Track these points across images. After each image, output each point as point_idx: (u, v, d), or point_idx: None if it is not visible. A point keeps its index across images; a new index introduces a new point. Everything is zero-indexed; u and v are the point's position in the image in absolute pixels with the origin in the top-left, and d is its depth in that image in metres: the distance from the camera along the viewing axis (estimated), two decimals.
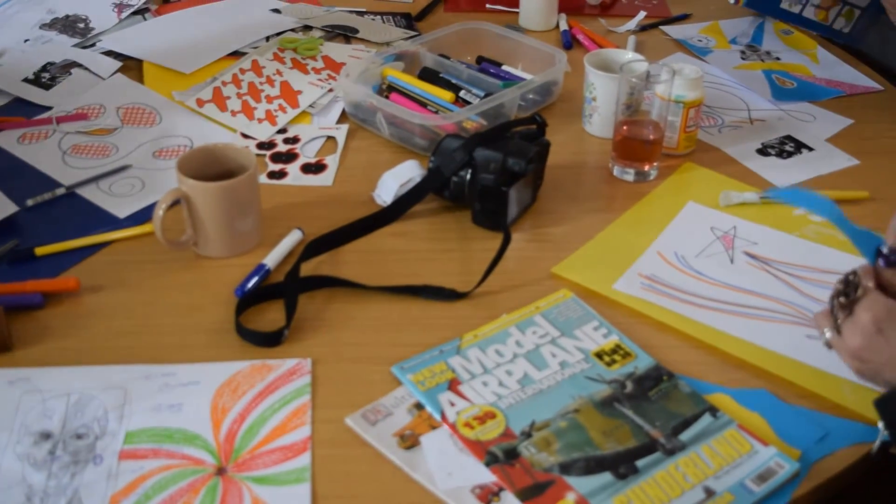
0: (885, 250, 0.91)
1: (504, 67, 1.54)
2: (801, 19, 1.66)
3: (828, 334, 0.92)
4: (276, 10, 1.76)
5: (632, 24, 1.77)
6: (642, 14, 1.80)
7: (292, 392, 0.97)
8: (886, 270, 0.91)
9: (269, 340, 1.02)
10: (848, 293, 0.89)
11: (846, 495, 0.97)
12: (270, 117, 1.42)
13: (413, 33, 1.69)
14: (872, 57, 1.67)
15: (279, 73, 1.52)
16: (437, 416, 0.94)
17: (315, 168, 1.33)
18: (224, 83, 1.48)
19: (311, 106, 1.45)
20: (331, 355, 1.02)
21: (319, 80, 1.51)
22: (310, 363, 1.00)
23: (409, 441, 0.92)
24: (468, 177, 1.19)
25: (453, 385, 0.97)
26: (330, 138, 1.40)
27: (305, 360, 1.01)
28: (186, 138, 1.38)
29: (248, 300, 1.08)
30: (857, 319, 0.88)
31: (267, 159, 1.34)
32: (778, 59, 1.69)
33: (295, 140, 1.38)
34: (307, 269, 1.13)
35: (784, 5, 1.66)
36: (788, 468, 0.90)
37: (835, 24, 1.60)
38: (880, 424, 0.89)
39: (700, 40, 1.74)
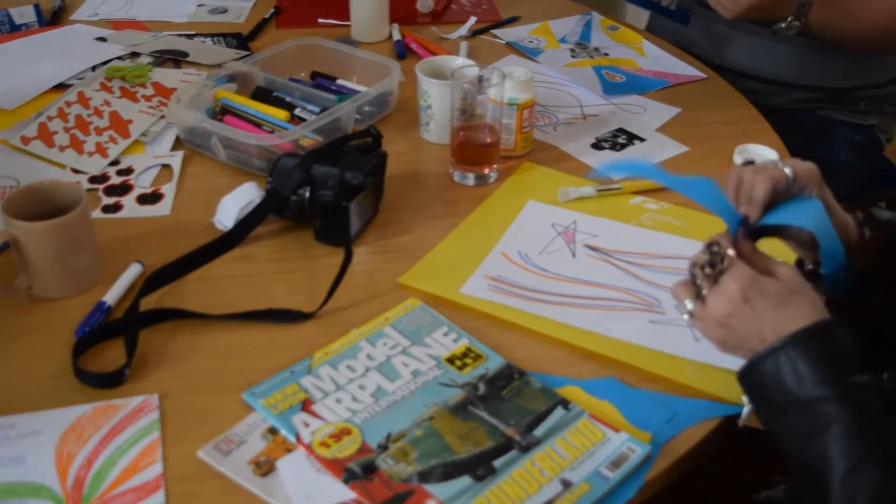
0: (750, 221, 0.92)
1: (339, 81, 1.54)
2: None
3: (689, 305, 0.91)
4: (102, 39, 1.71)
5: (463, 29, 1.80)
6: (473, 19, 1.83)
7: (140, 430, 0.94)
8: (745, 242, 0.91)
9: (110, 381, 0.99)
10: (713, 263, 0.89)
11: (701, 470, 1.00)
12: (101, 150, 1.37)
13: (245, 53, 1.67)
14: (700, 54, 1.73)
15: (107, 103, 1.47)
16: (292, 439, 0.92)
17: (151, 198, 1.29)
18: (50, 118, 1.43)
19: (143, 135, 1.42)
20: (179, 388, 0.99)
21: (150, 107, 1.47)
22: (157, 399, 0.98)
23: (264, 468, 0.90)
24: (307, 195, 1.18)
25: (307, 405, 0.96)
26: (165, 166, 1.36)
27: (152, 395, 0.98)
28: (12, 178, 1.32)
29: (89, 340, 1.04)
30: (725, 288, 0.87)
31: (100, 193, 1.30)
32: (606, 54, 1.73)
33: (128, 171, 1.35)
34: (150, 302, 1.10)
35: None
36: (640, 452, 0.92)
37: (662, 0, 1.64)
38: (744, 398, 0.90)
39: (531, 41, 1.77)
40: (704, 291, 0.90)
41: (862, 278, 0.98)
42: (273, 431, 0.94)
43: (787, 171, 0.94)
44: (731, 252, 0.89)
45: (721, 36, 1.74)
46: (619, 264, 1.19)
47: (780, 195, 0.94)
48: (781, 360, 0.83)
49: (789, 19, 1.50)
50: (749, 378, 0.87)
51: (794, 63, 1.69)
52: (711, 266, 0.89)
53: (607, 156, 1.42)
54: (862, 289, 0.98)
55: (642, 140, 1.46)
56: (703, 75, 1.67)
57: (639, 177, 0.96)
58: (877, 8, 1.52)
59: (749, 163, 0.98)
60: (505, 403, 0.97)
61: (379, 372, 1.01)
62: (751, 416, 0.91)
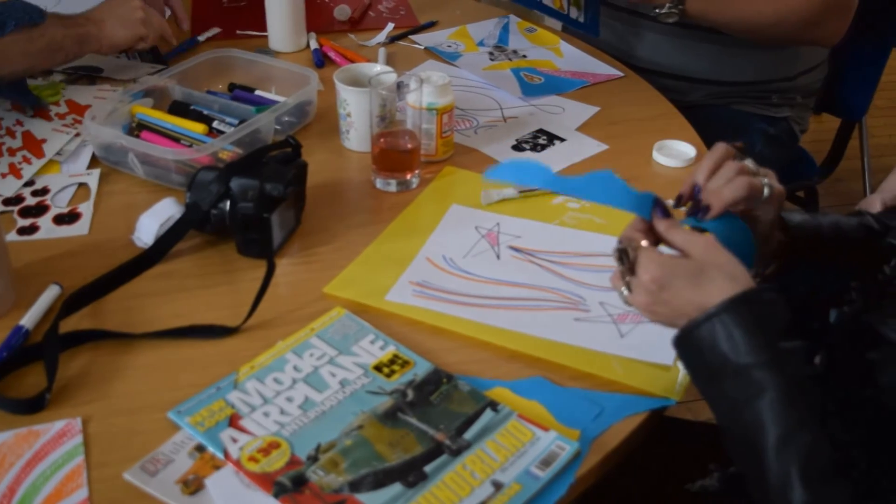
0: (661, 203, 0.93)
1: (257, 92, 1.53)
2: (542, 7, 1.70)
3: (625, 292, 0.91)
4: None
5: (381, 36, 1.79)
6: (391, 26, 1.83)
7: (64, 455, 0.92)
8: (662, 221, 0.92)
9: (30, 406, 0.97)
10: (622, 259, 0.90)
11: (634, 464, 1.02)
12: (15, 171, 1.34)
13: (160, 67, 1.65)
14: (614, 55, 1.75)
15: (20, 122, 1.44)
16: (220, 455, 0.91)
17: (68, 218, 1.27)
18: None
19: (58, 153, 1.39)
20: (102, 411, 0.98)
21: (64, 125, 1.45)
22: (80, 422, 0.96)
23: (193, 486, 0.89)
24: (227, 208, 1.17)
25: (234, 420, 0.95)
26: (82, 185, 1.34)
27: (75, 419, 0.96)
28: None
29: (7, 365, 1.02)
30: (639, 280, 0.89)
31: (15, 215, 1.27)
32: (524, 56, 1.75)
33: (44, 191, 1.32)
34: (69, 324, 1.08)
35: None
36: (569, 449, 0.93)
37: (570, 12, 1.67)
38: (679, 364, 0.91)
39: (449, 46, 1.78)
40: (628, 281, 0.90)
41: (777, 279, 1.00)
42: (201, 449, 0.93)
43: (766, 191, 0.95)
44: (643, 243, 0.90)
45: (631, 36, 1.77)
46: (543, 264, 1.20)
47: (742, 206, 0.94)
48: (717, 327, 0.83)
49: (668, 6, 1.53)
50: (684, 344, 0.86)
51: (705, 60, 1.72)
52: (621, 262, 0.90)
53: (528, 157, 1.43)
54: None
55: (562, 140, 1.48)
56: (621, 74, 1.69)
57: (532, 187, 0.94)
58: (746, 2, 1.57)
59: (739, 149, 0.97)
60: (434, 408, 0.97)
61: (306, 383, 1.00)
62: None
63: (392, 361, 1.03)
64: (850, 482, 0.78)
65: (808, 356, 0.82)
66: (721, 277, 0.86)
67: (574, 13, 1.65)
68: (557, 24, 1.92)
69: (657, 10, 1.55)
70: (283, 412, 0.96)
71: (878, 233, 1.04)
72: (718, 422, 0.86)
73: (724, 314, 0.83)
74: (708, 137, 1.49)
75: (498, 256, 1.21)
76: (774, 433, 0.79)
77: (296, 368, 1.02)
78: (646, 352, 1.05)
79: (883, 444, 0.82)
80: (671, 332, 0.98)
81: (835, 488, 0.78)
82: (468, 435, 0.94)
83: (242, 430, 0.94)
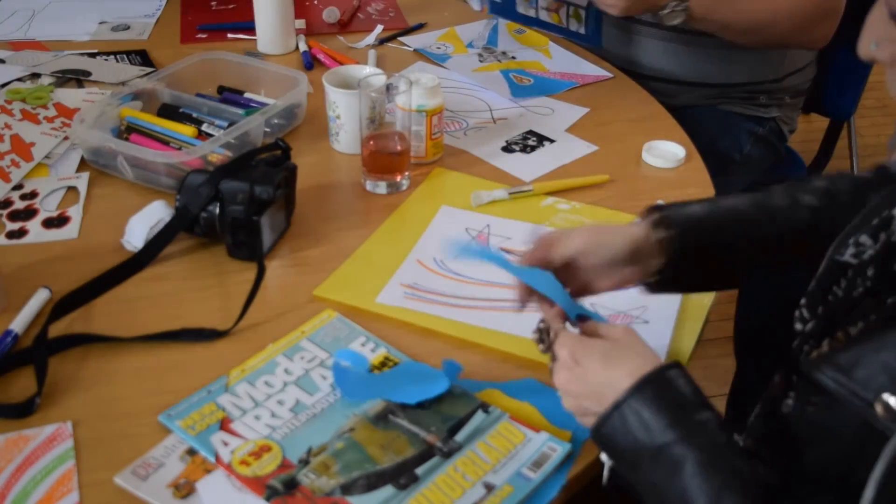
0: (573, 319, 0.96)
1: (246, 95, 1.53)
2: (539, 23, 1.72)
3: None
4: (0, 61, 1.67)
5: (370, 38, 1.79)
6: (380, 28, 1.82)
7: (54, 460, 0.92)
8: (586, 325, 0.95)
9: (20, 411, 0.96)
10: (543, 339, 0.93)
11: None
12: (3, 174, 1.34)
13: (149, 70, 1.65)
14: (603, 58, 1.76)
15: (8, 126, 1.44)
16: (212, 459, 0.91)
17: (57, 222, 1.27)
18: None
19: (46, 157, 1.39)
20: (92, 415, 0.97)
21: (53, 128, 1.44)
22: (70, 426, 0.96)
23: (184, 490, 0.89)
24: (217, 211, 1.16)
25: (225, 424, 0.95)
26: (71, 189, 1.34)
27: (65, 423, 0.96)
28: None
29: None
30: (559, 356, 0.90)
31: (4, 219, 1.27)
32: (514, 57, 1.75)
33: (33, 195, 1.32)
34: (59, 328, 1.08)
35: (520, 10, 1.72)
36: (561, 450, 0.93)
37: (570, 25, 1.67)
38: (602, 456, 0.90)
39: (438, 47, 1.78)
40: (550, 366, 0.92)
41: (661, 279, 1.00)
42: (192, 453, 0.92)
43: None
44: (557, 325, 0.93)
45: (620, 40, 1.77)
46: None
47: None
48: (626, 413, 0.83)
49: (672, 4, 1.53)
50: (601, 436, 0.86)
51: (693, 63, 1.72)
52: (542, 342, 0.93)
53: (518, 158, 1.43)
54: (664, 286, 1.01)
55: (552, 141, 1.48)
56: (610, 75, 1.69)
57: (483, 262, 0.99)
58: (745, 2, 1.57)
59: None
60: (425, 410, 0.97)
61: (297, 386, 1.00)
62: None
63: (383, 364, 1.03)
64: None
65: (720, 424, 0.82)
66: (633, 355, 0.87)
67: (574, 25, 1.66)
68: None
69: (661, 12, 1.54)
70: (274, 415, 0.96)
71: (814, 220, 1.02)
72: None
73: (631, 400, 0.83)
74: (697, 138, 1.49)
75: None
76: (702, 502, 0.79)
77: (286, 371, 1.02)
78: None
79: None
80: (662, 334, 0.99)
81: None
82: (459, 437, 0.94)
83: (233, 433, 0.94)
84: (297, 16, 1.77)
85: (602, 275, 1.00)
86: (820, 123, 2.08)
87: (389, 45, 1.79)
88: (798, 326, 0.88)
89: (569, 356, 0.89)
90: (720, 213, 1.03)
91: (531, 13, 1.72)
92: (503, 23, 1.86)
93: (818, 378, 0.78)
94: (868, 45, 0.79)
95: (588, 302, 1.12)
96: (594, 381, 0.87)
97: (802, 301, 0.88)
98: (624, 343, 0.89)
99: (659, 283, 1.00)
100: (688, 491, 0.79)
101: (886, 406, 0.72)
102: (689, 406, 0.83)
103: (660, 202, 1.04)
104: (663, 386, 0.84)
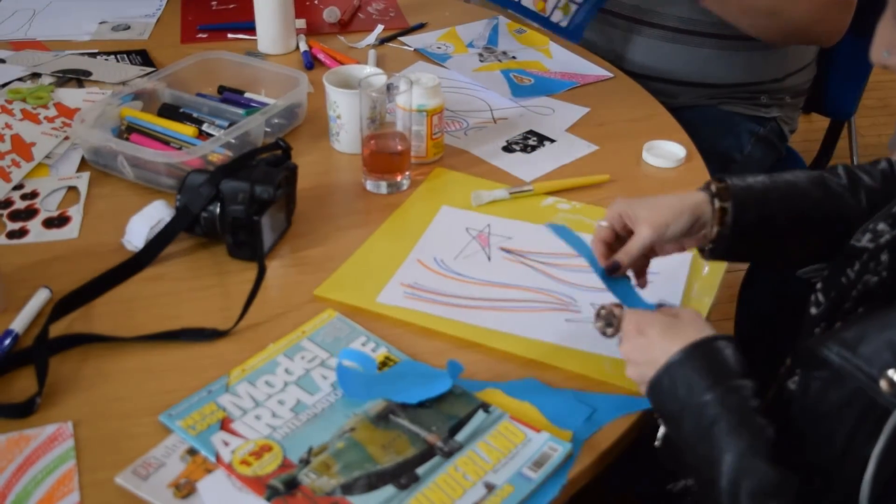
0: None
1: (247, 95, 1.53)
2: (519, 7, 1.68)
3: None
4: (1, 61, 1.67)
5: (371, 38, 1.79)
6: (380, 27, 1.82)
7: (55, 459, 0.92)
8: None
9: (21, 411, 0.96)
10: (611, 322, 0.97)
11: (617, 465, 1.02)
12: (3, 174, 1.34)
13: (150, 70, 1.65)
14: (603, 58, 1.75)
15: (8, 126, 1.44)
16: (212, 459, 0.91)
17: (58, 221, 1.27)
18: None
19: (47, 157, 1.39)
20: (93, 415, 0.97)
21: (53, 128, 1.44)
22: (71, 426, 0.96)
23: (185, 490, 0.89)
24: (217, 211, 1.16)
25: (225, 424, 0.95)
26: (71, 188, 1.34)
27: (66, 423, 0.96)
28: None
29: None
30: (625, 331, 0.95)
31: (5, 219, 1.27)
32: (514, 57, 1.75)
33: (33, 195, 1.32)
34: (59, 328, 1.08)
35: None
36: (562, 450, 0.93)
37: (552, 15, 1.66)
38: (659, 420, 0.94)
39: (439, 47, 1.78)
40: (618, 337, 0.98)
41: (716, 247, 1.04)
42: (192, 452, 0.92)
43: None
44: (617, 311, 0.98)
45: (620, 40, 1.77)
46: (533, 265, 1.20)
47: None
48: (675, 374, 0.88)
49: None
50: (653, 396, 0.91)
51: (694, 63, 1.72)
52: (609, 326, 0.98)
53: (518, 158, 1.43)
54: (719, 254, 1.06)
55: (553, 141, 1.48)
56: (610, 75, 1.69)
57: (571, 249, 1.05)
58: None
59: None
60: (426, 410, 0.97)
61: (298, 386, 1.00)
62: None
63: (384, 363, 1.03)
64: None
65: (757, 393, 0.86)
66: (689, 327, 0.92)
67: (558, 17, 1.65)
68: None
69: None
70: (274, 415, 0.96)
71: (844, 191, 1.05)
72: (687, 464, 0.90)
73: (678, 363, 0.88)
74: (697, 138, 1.49)
75: (489, 258, 1.21)
76: (727, 458, 0.82)
77: (287, 371, 1.02)
78: None
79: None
80: None
81: None
82: (460, 436, 0.94)
83: (234, 433, 0.94)
84: (298, 15, 1.77)
85: (665, 246, 1.05)
86: (821, 123, 2.08)
87: (390, 44, 1.79)
88: (812, 311, 0.93)
89: (634, 328, 0.94)
90: (778, 186, 1.06)
91: None
92: (504, 22, 1.86)
93: (824, 354, 0.81)
94: (880, 52, 0.80)
95: (588, 302, 1.13)
96: (654, 349, 0.91)
97: (818, 285, 0.94)
98: (686, 319, 0.94)
99: (713, 251, 1.05)
100: (715, 447, 0.83)
101: (891, 382, 0.75)
102: (730, 373, 0.87)
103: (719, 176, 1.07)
104: (710, 353, 0.89)
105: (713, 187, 1.03)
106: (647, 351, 0.92)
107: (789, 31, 1.64)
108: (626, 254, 1.02)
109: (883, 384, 0.75)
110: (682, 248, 1.07)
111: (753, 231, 1.04)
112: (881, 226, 0.91)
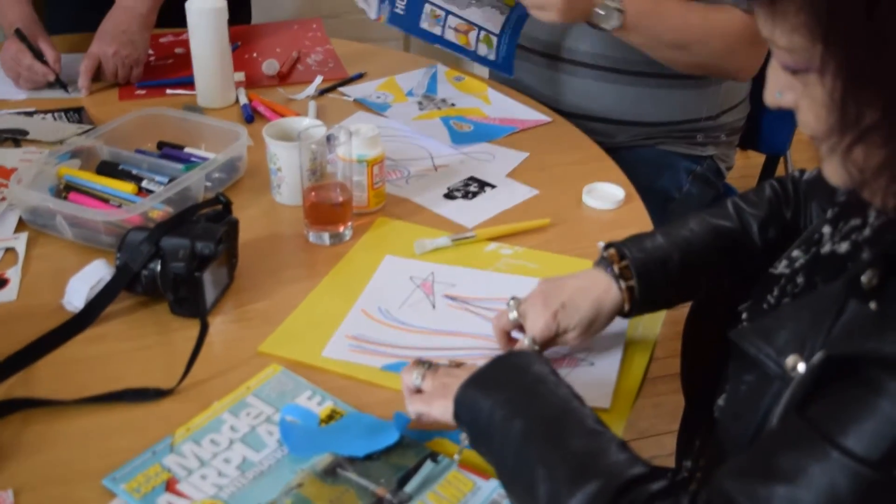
0: None
1: (186, 150, 1.52)
2: (444, 41, 1.71)
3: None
4: None
5: (310, 89, 1.80)
6: (319, 78, 1.83)
7: None
8: None
9: None
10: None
11: None
12: None
13: (88, 127, 1.64)
14: (540, 100, 1.78)
15: None
16: None
17: None
18: None
19: None
20: (35, 481, 0.96)
21: None
22: (11, 495, 0.94)
23: None
24: (158, 268, 1.16)
25: (171, 485, 0.94)
26: (9, 250, 1.32)
27: (6, 492, 0.94)
28: None
29: None
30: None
31: None
32: (453, 105, 1.77)
33: None
34: (0, 393, 1.06)
35: (424, 25, 1.71)
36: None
37: (479, 49, 1.68)
38: (462, 435, 0.95)
39: (378, 97, 1.79)
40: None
41: (632, 311, 1.09)
42: None
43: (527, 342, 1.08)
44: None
45: (554, 82, 1.79)
46: (478, 311, 1.20)
47: None
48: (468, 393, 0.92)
49: (609, 4, 1.53)
50: (458, 411, 0.94)
51: (628, 102, 1.75)
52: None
53: (460, 205, 1.44)
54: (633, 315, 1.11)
55: (493, 187, 1.49)
56: (548, 119, 1.71)
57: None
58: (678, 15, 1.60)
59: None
60: (374, 462, 0.97)
61: (244, 443, 0.99)
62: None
63: (330, 417, 1.03)
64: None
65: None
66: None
67: (483, 51, 1.67)
68: (484, 71, 1.95)
69: (596, 9, 1.54)
70: (220, 474, 0.95)
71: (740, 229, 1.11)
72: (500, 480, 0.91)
73: (469, 383, 0.93)
74: (636, 178, 1.51)
75: (433, 305, 1.21)
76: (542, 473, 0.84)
77: (233, 429, 1.01)
78: (583, 395, 1.05)
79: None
80: (608, 374, 1.01)
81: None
82: (409, 488, 0.94)
83: (180, 494, 0.93)
84: (237, 69, 1.78)
85: (572, 337, 1.09)
86: (757, 159, 2.12)
87: (329, 95, 1.80)
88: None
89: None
90: (677, 244, 1.09)
91: (436, 31, 1.71)
92: (443, 70, 1.88)
93: (744, 347, 0.87)
94: (773, 94, 0.85)
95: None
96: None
97: (744, 315, 0.97)
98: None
99: (630, 314, 1.10)
100: (523, 459, 0.86)
101: (794, 368, 0.81)
102: (524, 381, 0.93)
103: (600, 244, 1.11)
104: (504, 366, 0.95)
105: (616, 268, 1.07)
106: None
107: (700, 63, 1.66)
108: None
109: (788, 365, 0.82)
110: (593, 334, 1.10)
111: (663, 292, 1.10)
112: (795, 252, 0.96)
